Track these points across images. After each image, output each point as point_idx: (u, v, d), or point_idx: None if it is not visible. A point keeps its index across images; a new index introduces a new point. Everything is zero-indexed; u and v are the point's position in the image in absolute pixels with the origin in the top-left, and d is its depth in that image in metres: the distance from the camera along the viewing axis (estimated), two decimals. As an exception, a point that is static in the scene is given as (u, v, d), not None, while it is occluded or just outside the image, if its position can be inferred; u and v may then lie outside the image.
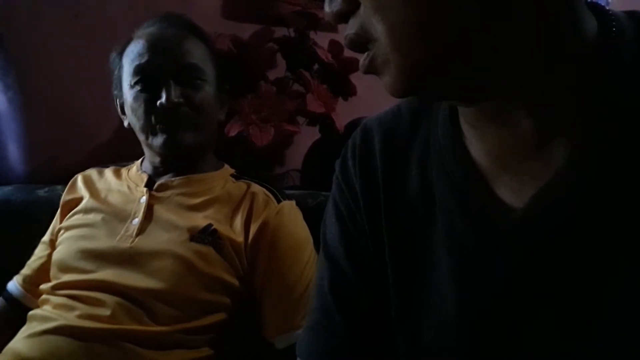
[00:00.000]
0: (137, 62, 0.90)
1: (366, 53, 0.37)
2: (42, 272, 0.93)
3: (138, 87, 0.90)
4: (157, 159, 0.95)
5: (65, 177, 1.05)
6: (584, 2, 0.37)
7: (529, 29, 0.34)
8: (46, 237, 0.98)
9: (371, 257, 0.48)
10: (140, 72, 0.90)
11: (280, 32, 1.33)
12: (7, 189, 1.19)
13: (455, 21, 0.33)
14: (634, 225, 0.34)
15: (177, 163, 0.94)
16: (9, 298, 0.95)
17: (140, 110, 0.90)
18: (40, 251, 0.97)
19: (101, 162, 1.07)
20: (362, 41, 0.37)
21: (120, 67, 0.95)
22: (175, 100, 0.88)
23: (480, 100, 0.38)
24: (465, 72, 0.36)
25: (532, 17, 0.34)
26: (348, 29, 0.37)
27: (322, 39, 1.31)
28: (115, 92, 0.99)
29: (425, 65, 0.35)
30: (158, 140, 0.90)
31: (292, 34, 1.30)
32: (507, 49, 0.34)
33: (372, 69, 0.37)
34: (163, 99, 0.87)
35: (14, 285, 0.96)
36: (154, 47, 0.90)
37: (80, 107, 1.29)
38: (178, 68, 0.90)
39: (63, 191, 1.02)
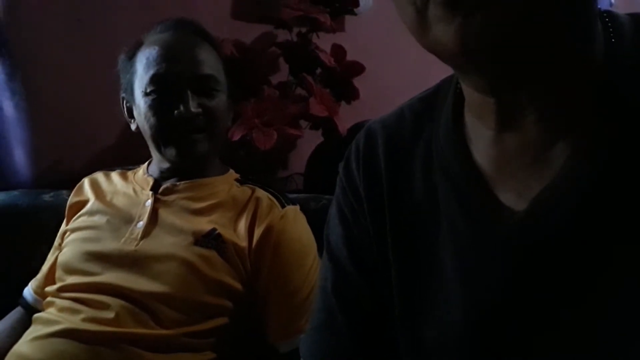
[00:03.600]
0: (154, 70, 0.90)
1: None
2: (51, 276, 0.93)
3: (154, 95, 0.90)
4: (167, 165, 0.95)
5: (70, 182, 1.06)
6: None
7: (562, 28, 0.34)
8: (56, 242, 0.99)
9: (375, 258, 0.48)
10: (158, 80, 0.90)
11: (282, 36, 1.34)
12: (12, 193, 1.20)
13: None
14: (635, 225, 0.34)
15: (187, 169, 0.95)
16: (25, 304, 0.96)
17: (154, 119, 0.90)
18: (50, 255, 0.98)
19: (106, 167, 1.07)
20: None
21: (133, 72, 0.94)
22: (194, 110, 0.89)
23: (507, 89, 0.36)
24: (531, 47, 0.33)
25: (563, 16, 0.33)
26: None
27: (324, 43, 1.32)
28: (124, 96, 0.99)
29: (524, 13, 0.31)
30: (172, 150, 0.91)
31: (295, 39, 1.31)
32: (550, 44, 0.34)
33: None
34: (182, 110, 0.88)
35: (28, 291, 0.97)
36: (170, 55, 0.91)
37: (85, 112, 1.30)
38: (196, 79, 0.91)
39: (68, 196, 1.02)
